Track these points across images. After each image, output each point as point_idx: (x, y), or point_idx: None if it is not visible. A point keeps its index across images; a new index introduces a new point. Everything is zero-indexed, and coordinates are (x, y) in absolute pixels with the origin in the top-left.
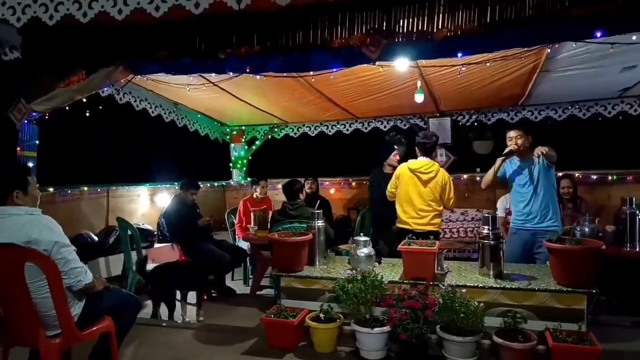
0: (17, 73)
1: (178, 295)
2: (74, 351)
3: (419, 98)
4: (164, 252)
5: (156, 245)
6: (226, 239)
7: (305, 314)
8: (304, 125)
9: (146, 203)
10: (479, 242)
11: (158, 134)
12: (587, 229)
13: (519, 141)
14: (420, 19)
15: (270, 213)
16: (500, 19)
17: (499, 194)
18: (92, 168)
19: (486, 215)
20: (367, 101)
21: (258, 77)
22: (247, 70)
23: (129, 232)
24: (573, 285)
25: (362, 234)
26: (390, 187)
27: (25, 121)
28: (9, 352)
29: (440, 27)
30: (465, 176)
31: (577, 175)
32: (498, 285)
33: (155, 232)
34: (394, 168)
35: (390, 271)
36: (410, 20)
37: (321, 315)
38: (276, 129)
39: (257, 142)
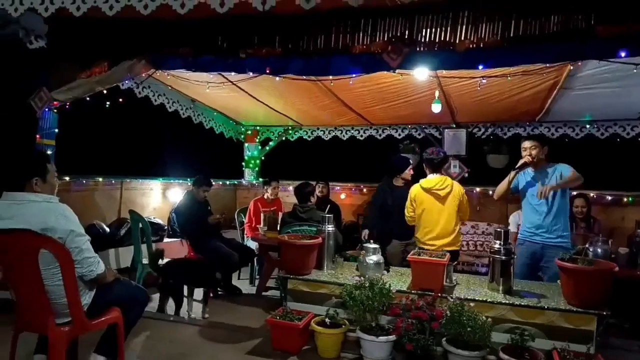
0: (41, 62)
1: (185, 291)
2: (81, 340)
3: (436, 108)
4: (173, 247)
5: (166, 239)
6: (235, 237)
7: (310, 317)
8: (318, 128)
9: (158, 197)
10: (490, 257)
11: (174, 130)
12: (599, 250)
13: (534, 152)
14: (443, 29)
15: (281, 214)
16: (524, 34)
17: (511, 209)
18: (107, 159)
19: (498, 230)
20: (383, 108)
21: (277, 78)
22: (267, 71)
23: (140, 225)
24: (583, 305)
25: (371, 241)
26: (408, 212)
27: (46, 109)
28: (18, 337)
29: (462, 38)
30: (477, 189)
31: (591, 194)
32: (507, 301)
33: (166, 227)
34: (406, 182)
35: (398, 280)
36: (433, 30)
37: (327, 320)
38: (290, 131)
39: (271, 143)
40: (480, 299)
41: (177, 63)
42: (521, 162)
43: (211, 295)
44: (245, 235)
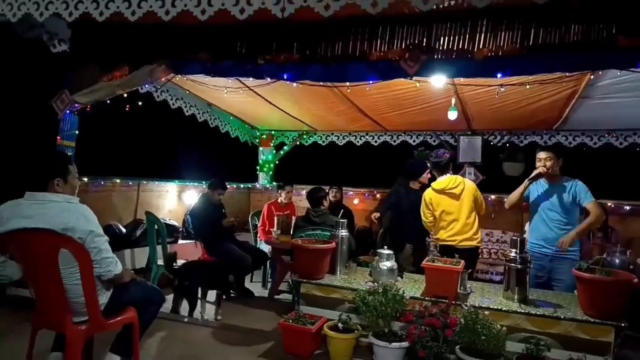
0: (64, 65)
1: (198, 293)
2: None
3: (452, 115)
4: (187, 249)
5: (180, 241)
6: (248, 240)
7: (323, 322)
8: (332, 134)
9: (174, 199)
10: (505, 265)
11: (190, 133)
12: (617, 260)
13: (548, 163)
14: (462, 37)
15: (294, 218)
16: (544, 43)
17: (527, 217)
18: (124, 161)
19: (514, 238)
20: (398, 114)
21: (294, 84)
22: (285, 77)
23: (156, 227)
24: (601, 316)
25: (385, 247)
26: (426, 217)
27: (67, 111)
28: (36, 334)
29: (481, 46)
30: (492, 197)
31: (609, 204)
32: (522, 310)
33: (181, 229)
34: (422, 185)
35: (411, 287)
36: (451, 37)
37: (339, 325)
38: (305, 136)
39: (285, 148)
40: (495, 307)
41: (197, 68)
42: (535, 172)
43: (224, 297)
44: (258, 239)
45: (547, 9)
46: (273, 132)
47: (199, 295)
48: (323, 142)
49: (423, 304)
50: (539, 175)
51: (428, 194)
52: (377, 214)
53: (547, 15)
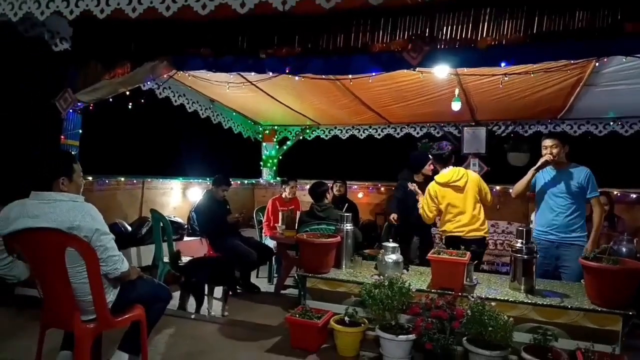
0: (66, 64)
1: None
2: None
3: (456, 106)
4: (192, 246)
5: (186, 238)
6: (253, 236)
7: (330, 316)
8: (335, 127)
9: (178, 196)
10: (512, 256)
11: (193, 130)
12: (624, 249)
13: (554, 150)
14: (464, 26)
15: (298, 213)
16: (548, 30)
17: (532, 208)
18: (128, 159)
19: (520, 228)
20: (402, 106)
21: (296, 78)
22: (287, 71)
23: (161, 224)
24: (608, 305)
25: (391, 239)
26: (430, 210)
27: (70, 110)
28: (45, 333)
29: (484, 35)
30: (497, 187)
31: (614, 192)
32: (529, 301)
33: (186, 226)
34: (425, 177)
35: (417, 279)
36: (454, 27)
37: (346, 318)
38: (308, 130)
39: (289, 143)
40: (502, 298)
41: (198, 64)
42: (542, 160)
43: (230, 293)
44: (263, 234)
45: None
46: (276, 127)
47: (206, 292)
48: (326, 136)
49: (429, 296)
50: (546, 163)
51: (432, 187)
52: (395, 215)
53: (551, 2)
